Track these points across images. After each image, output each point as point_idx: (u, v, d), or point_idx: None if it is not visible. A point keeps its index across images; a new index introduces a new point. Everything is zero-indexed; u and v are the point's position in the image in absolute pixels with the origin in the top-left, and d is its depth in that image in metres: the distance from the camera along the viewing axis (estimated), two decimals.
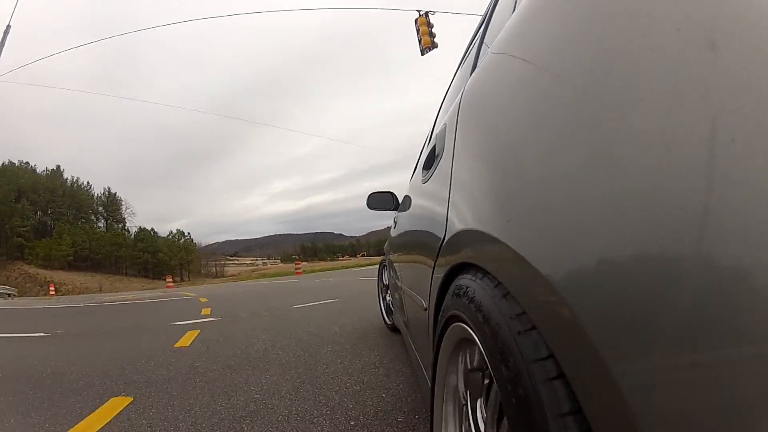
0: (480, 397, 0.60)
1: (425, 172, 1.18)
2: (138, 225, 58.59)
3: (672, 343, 0.26)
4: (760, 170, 0.23)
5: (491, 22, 0.96)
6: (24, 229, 45.83)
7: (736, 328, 0.23)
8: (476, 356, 0.63)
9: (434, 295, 0.81)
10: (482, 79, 0.74)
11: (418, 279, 1.10)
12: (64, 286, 38.92)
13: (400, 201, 2.25)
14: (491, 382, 0.57)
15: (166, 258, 53.35)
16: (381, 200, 2.57)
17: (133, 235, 55.69)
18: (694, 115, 0.27)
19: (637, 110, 0.31)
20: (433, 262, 0.86)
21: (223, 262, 76.64)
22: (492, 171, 0.60)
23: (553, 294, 0.37)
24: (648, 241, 0.28)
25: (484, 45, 0.93)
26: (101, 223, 57.06)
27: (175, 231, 59.43)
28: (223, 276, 57.20)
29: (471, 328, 0.55)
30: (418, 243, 1.17)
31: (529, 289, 0.43)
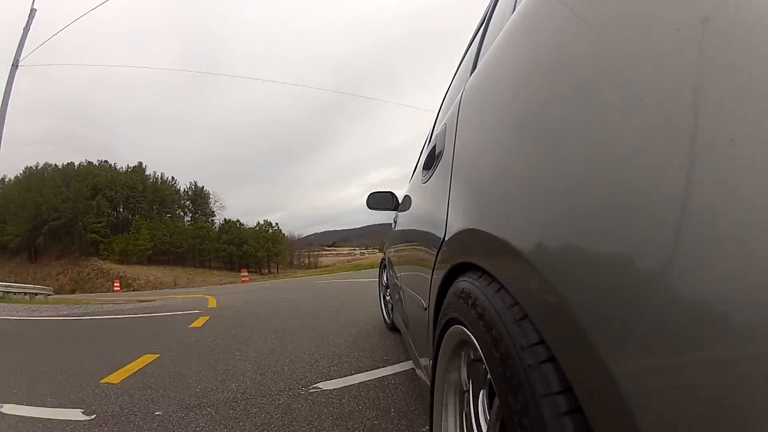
0: (479, 399, 0.60)
1: (425, 172, 1.18)
2: (226, 218, 57.05)
3: (672, 343, 0.26)
4: (760, 170, 0.23)
5: (491, 22, 0.96)
6: (99, 225, 45.60)
7: (736, 328, 0.23)
8: (476, 358, 0.63)
9: (434, 295, 0.81)
10: (482, 79, 0.74)
11: (418, 278, 1.10)
12: (137, 281, 37.83)
13: (400, 201, 2.25)
14: (491, 383, 0.57)
15: (252, 249, 51.01)
16: (381, 200, 2.57)
17: (217, 228, 54.02)
18: (694, 114, 0.27)
19: (636, 110, 0.31)
20: (433, 262, 0.86)
21: (315, 253, 74.78)
22: (491, 171, 0.60)
23: (553, 292, 0.37)
24: (648, 240, 0.28)
25: (483, 45, 0.93)
26: (188, 217, 55.85)
27: (262, 222, 56.86)
28: (316, 266, 55.21)
29: (470, 332, 0.55)
30: (418, 242, 1.17)
31: (529, 288, 0.43)
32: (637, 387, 0.28)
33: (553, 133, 0.43)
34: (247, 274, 18.87)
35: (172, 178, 56.71)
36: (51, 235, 45.47)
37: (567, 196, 0.38)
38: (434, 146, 1.08)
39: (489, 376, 0.48)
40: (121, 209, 50.73)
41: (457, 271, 0.68)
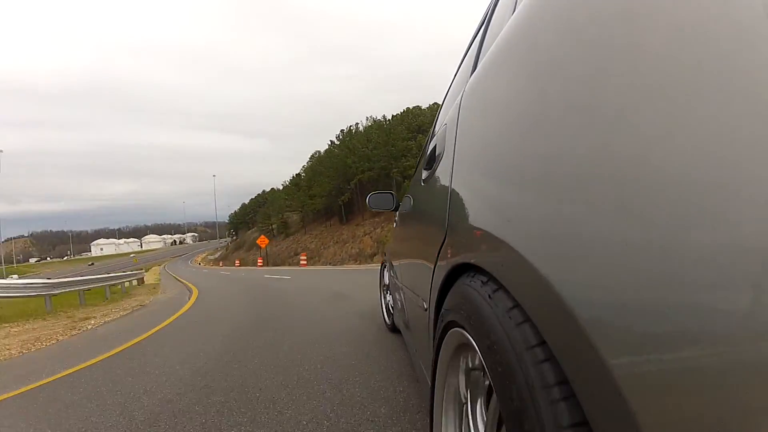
0: (480, 399, 0.60)
1: (426, 172, 1.18)
2: None
3: (672, 343, 0.26)
4: (760, 170, 0.23)
5: (491, 22, 0.96)
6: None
7: (736, 327, 0.23)
8: (476, 360, 0.63)
9: (435, 295, 0.81)
10: (482, 79, 0.74)
11: (419, 279, 1.10)
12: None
13: (401, 201, 2.25)
14: (489, 387, 0.57)
15: None
16: (381, 200, 2.57)
17: None
18: (694, 115, 0.27)
19: (636, 110, 0.31)
20: (433, 262, 0.86)
21: None
22: (492, 171, 0.60)
23: (552, 293, 0.37)
24: (647, 240, 0.28)
25: (484, 46, 0.93)
26: None
27: None
28: None
29: (470, 334, 0.55)
30: (418, 243, 1.17)
31: (529, 288, 0.43)
32: (637, 387, 0.28)
33: (553, 134, 0.43)
34: None
35: None
36: (361, 190, 38.67)
37: (567, 197, 0.38)
38: (435, 146, 1.08)
39: (488, 381, 0.48)
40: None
41: (458, 272, 0.68)
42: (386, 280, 3.02)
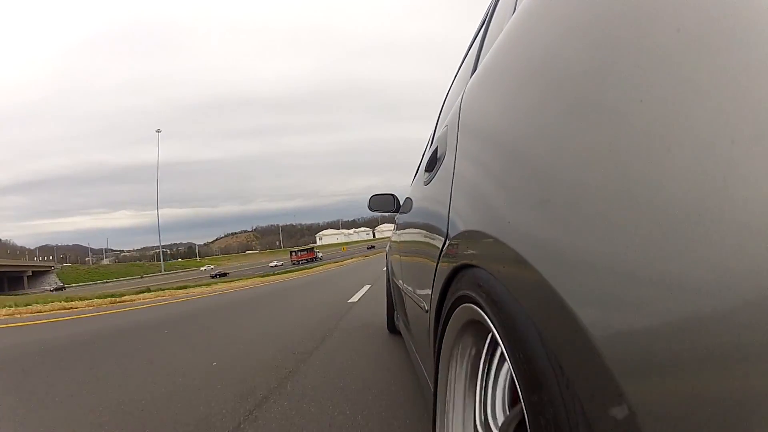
0: (481, 394, 0.60)
1: (427, 174, 1.19)
2: None
3: (673, 343, 0.26)
4: (760, 171, 0.23)
5: (491, 23, 0.96)
6: None
7: (738, 329, 0.23)
8: (476, 350, 0.63)
9: (436, 297, 0.81)
10: (483, 81, 0.75)
11: (420, 281, 1.10)
12: None
13: (402, 203, 2.25)
14: (493, 378, 0.57)
15: None
16: (382, 202, 2.57)
17: None
18: (694, 116, 0.27)
19: (637, 111, 0.31)
20: (435, 264, 0.86)
21: None
22: (493, 173, 0.60)
23: (553, 295, 0.37)
24: (648, 242, 0.28)
25: (484, 46, 0.93)
26: None
27: None
28: None
29: (481, 307, 0.54)
30: (419, 245, 1.17)
31: (530, 290, 0.43)
32: (638, 387, 0.28)
33: (554, 134, 0.43)
34: None
35: None
36: None
37: (568, 198, 0.38)
38: (436, 148, 1.09)
39: (494, 370, 0.47)
40: None
41: (459, 272, 0.68)
42: (386, 281, 3.03)
